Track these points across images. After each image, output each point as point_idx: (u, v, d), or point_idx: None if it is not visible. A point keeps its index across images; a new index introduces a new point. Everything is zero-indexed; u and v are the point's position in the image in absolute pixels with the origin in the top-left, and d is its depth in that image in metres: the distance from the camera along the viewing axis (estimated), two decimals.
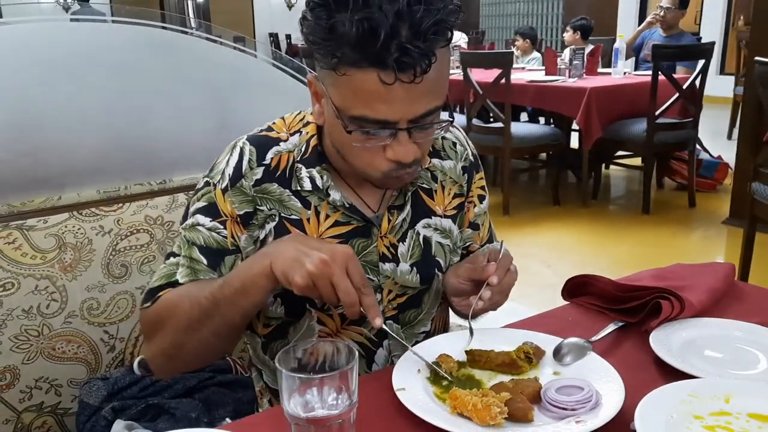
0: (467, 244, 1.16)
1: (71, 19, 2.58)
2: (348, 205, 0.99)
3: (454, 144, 1.12)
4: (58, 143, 1.34)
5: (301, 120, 1.03)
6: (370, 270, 1.02)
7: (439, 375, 0.86)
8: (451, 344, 0.94)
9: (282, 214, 0.99)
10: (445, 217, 1.09)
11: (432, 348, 0.93)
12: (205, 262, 0.97)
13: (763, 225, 2.97)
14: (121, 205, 1.28)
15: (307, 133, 1.01)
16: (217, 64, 1.60)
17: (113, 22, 1.60)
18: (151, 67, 1.48)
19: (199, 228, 0.98)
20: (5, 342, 1.15)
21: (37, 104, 1.33)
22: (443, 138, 1.11)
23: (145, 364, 1.23)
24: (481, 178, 1.16)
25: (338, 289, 0.80)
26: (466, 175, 1.12)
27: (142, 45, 1.53)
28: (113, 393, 1.19)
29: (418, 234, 1.06)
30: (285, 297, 1.01)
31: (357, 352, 0.70)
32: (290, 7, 13.36)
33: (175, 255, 1.00)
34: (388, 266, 1.03)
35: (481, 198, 1.16)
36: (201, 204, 0.99)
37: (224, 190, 0.97)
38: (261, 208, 0.99)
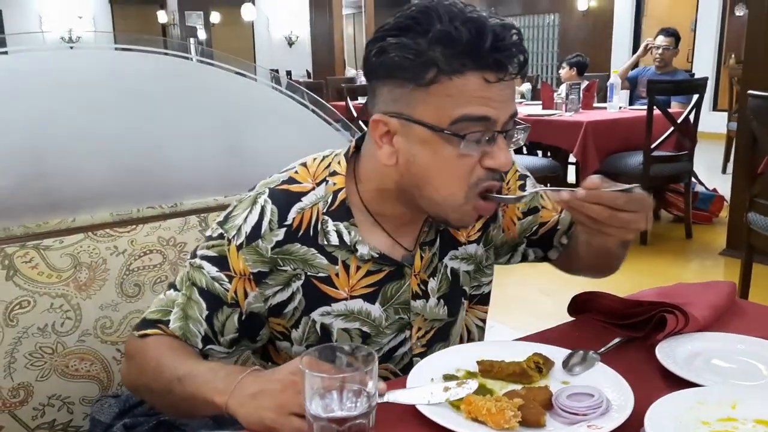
0: (534, 228, 1.15)
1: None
2: (377, 255, 0.99)
3: None
4: (72, 168, 1.37)
5: (326, 168, 1.00)
6: (402, 309, 1.03)
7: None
8: (465, 354, 0.97)
9: (308, 273, 0.98)
10: (469, 243, 1.09)
11: (447, 358, 0.95)
12: (203, 305, 0.97)
13: (760, 255, 3.01)
14: (134, 226, 1.30)
15: (335, 183, 0.98)
16: (225, 91, 1.64)
17: (116, 49, 1.64)
18: (161, 94, 1.53)
19: (204, 272, 0.97)
20: (20, 359, 1.16)
21: (52, 130, 1.36)
22: None
23: None
24: (515, 170, 1.13)
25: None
26: None
27: (152, 72, 1.57)
28: (125, 410, 1.19)
29: (446, 267, 1.06)
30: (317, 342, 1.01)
31: (376, 355, 0.72)
32: (291, 44, 13.61)
33: (175, 288, 1.00)
34: (418, 303, 1.04)
35: (522, 187, 1.13)
36: (210, 253, 0.98)
37: (239, 247, 0.96)
38: (283, 268, 0.97)
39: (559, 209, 1.16)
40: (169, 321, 0.98)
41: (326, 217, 0.97)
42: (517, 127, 0.92)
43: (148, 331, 0.98)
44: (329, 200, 0.98)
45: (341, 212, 0.98)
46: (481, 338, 1.19)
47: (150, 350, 0.96)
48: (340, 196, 0.98)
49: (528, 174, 1.16)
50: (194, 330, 0.98)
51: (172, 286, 1.01)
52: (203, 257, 0.98)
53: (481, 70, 0.84)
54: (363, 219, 0.99)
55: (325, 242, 0.97)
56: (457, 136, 0.86)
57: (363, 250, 0.98)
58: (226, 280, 0.96)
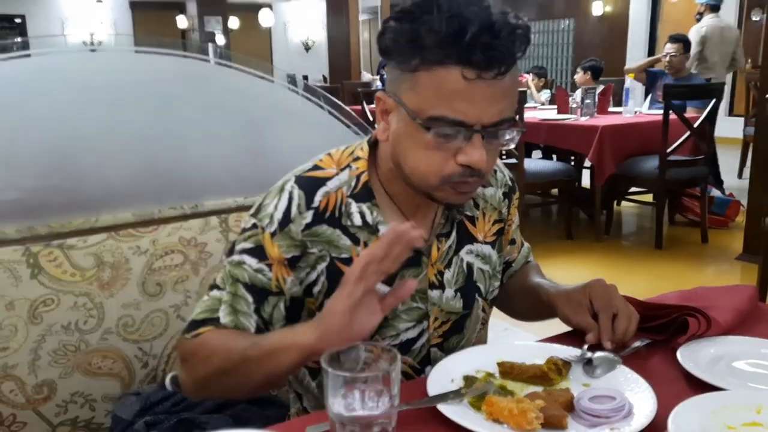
0: (507, 258, 1.22)
1: None
2: None
3: (495, 171, 1.15)
4: (96, 168, 1.38)
5: (350, 154, 1.04)
6: (419, 298, 1.05)
7: (472, 384, 0.88)
8: (484, 356, 0.97)
9: (332, 255, 1.00)
10: (486, 243, 1.12)
11: (466, 359, 0.95)
12: (250, 299, 0.99)
13: None
14: (156, 226, 1.31)
15: (357, 168, 1.02)
16: (244, 93, 1.66)
17: (137, 52, 1.66)
18: (181, 96, 1.54)
19: (245, 267, 0.99)
20: (44, 356, 1.17)
21: (76, 131, 1.38)
22: None
23: (176, 380, 1.26)
24: (518, 198, 1.21)
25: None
26: (506, 200, 1.16)
27: (172, 74, 1.59)
28: (146, 408, 1.21)
29: (462, 260, 1.08)
30: None
31: (399, 356, 0.72)
32: (308, 49, 13.67)
33: (218, 288, 1.01)
34: (435, 293, 1.06)
35: (517, 215, 1.23)
36: (248, 245, 1.00)
37: (272, 234, 0.98)
38: (311, 250, 1.00)
39: (519, 249, 1.26)
40: (218, 318, 0.99)
41: (350, 200, 1.01)
42: (509, 129, 0.91)
43: (200, 330, 0.99)
44: (352, 184, 1.01)
45: (364, 194, 1.01)
46: (482, 334, 1.21)
47: (211, 340, 0.96)
48: (363, 178, 1.01)
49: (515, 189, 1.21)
50: (245, 323, 0.99)
51: (213, 287, 1.02)
52: (242, 251, 1.00)
53: (460, 65, 0.85)
54: (383, 202, 1.03)
55: (349, 223, 1.00)
56: (425, 128, 0.88)
57: (384, 230, 1.00)
58: (267, 269, 0.99)
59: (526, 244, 1.30)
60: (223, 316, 0.98)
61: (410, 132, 0.91)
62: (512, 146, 0.95)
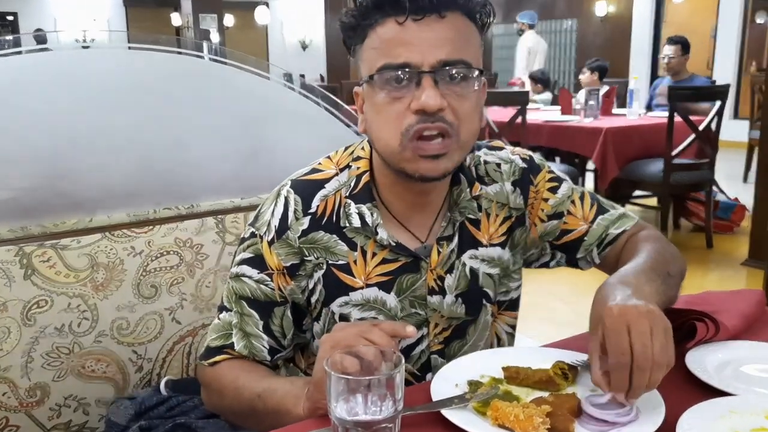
0: (556, 233, 1.10)
1: None
2: (394, 244, 0.98)
3: (498, 165, 1.08)
4: (90, 168, 1.36)
5: (350, 154, 1.02)
6: (418, 304, 1.02)
7: (476, 389, 0.86)
8: (489, 360, 0.94)
9: (329, 261, 0.98)
10: (491, 245, 1.06)
11: (471, 364, 0.93)
12: (256, 316, 0.99)
13: None
14: (151, 227, 1.29)
15: (358, 168, 1.00)
16: (243, 91, 1.64)
17: (130, 49, 1.64)
18: (178, 93, 1.52)
19: (246, 279, 0.99)
20: (37, 359, 1.15)
21: (69, 130, 1.36)
22: (485, 163, 1.07)
23: (171, 384, 1.23)
24: (548, 172, 1.10)
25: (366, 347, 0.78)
26: (518, 189, 1.07)
27: (167, 71, 1.57)
28: (140, 413, 1.18)
29: (465, 265, 1.04)
30: None
31: (403, 360, 0.70)
32: (304, 48, 13.67)
33: (226, 309, 1.01)
34: (435, 299, 1.02)
35: (553, 189, 1.09)
36: (247, 255, 0.99)
37: (270, 243, 0.98)
38: (308, 258, 0.98)
39: (589, 219, 1.10)
40: (233, 344, 0.99)
41: (349, 201, 0.98)
42: (465, 70, 0.88)
43: (217, 359, 1.00)
44: (352, 184, 0.99)
45: (364, 194, 0.98)
46: (511, 345, 1.16)
47: (224, 376, 0.98)
48: (364, 179, 0.99)
49: (565, 178, 1.12)
50: (258, 346, 1.00)
51: (222, 308, 1.02)
52: (242, 261, 1.00)
53: (394, 15, 0.87)
54: (381, 205, 1.00)
55: (347, 224, 0.98)
56: (372, 79, 0.89)
57: (383, 234, 0.97)
58: (269, 279, 0.98)
59: (613, 212, 1.11)
60: (237, 342, 0.99)
61: (370, 102, 0.91)
62: (477, 87, 0.90)
